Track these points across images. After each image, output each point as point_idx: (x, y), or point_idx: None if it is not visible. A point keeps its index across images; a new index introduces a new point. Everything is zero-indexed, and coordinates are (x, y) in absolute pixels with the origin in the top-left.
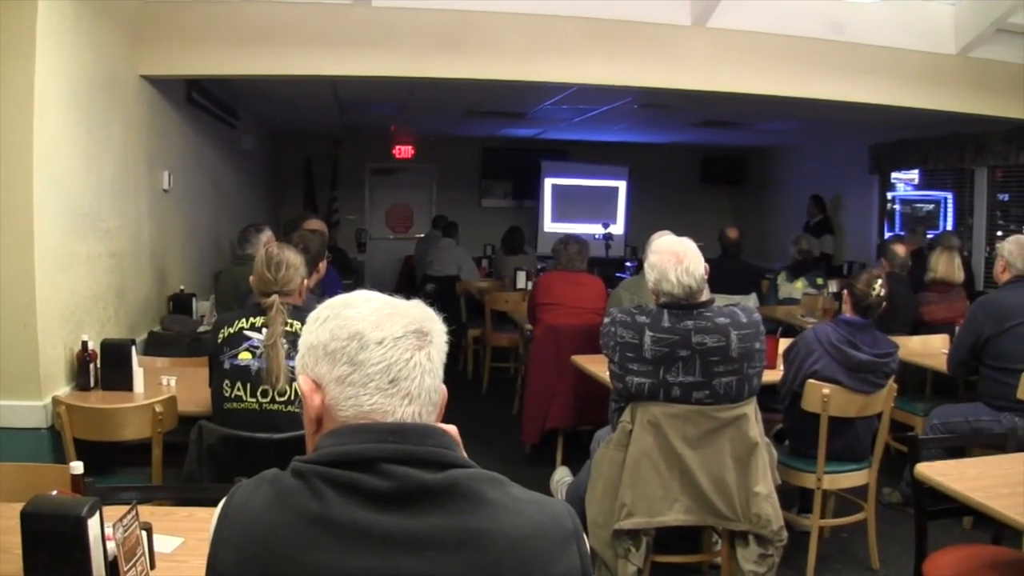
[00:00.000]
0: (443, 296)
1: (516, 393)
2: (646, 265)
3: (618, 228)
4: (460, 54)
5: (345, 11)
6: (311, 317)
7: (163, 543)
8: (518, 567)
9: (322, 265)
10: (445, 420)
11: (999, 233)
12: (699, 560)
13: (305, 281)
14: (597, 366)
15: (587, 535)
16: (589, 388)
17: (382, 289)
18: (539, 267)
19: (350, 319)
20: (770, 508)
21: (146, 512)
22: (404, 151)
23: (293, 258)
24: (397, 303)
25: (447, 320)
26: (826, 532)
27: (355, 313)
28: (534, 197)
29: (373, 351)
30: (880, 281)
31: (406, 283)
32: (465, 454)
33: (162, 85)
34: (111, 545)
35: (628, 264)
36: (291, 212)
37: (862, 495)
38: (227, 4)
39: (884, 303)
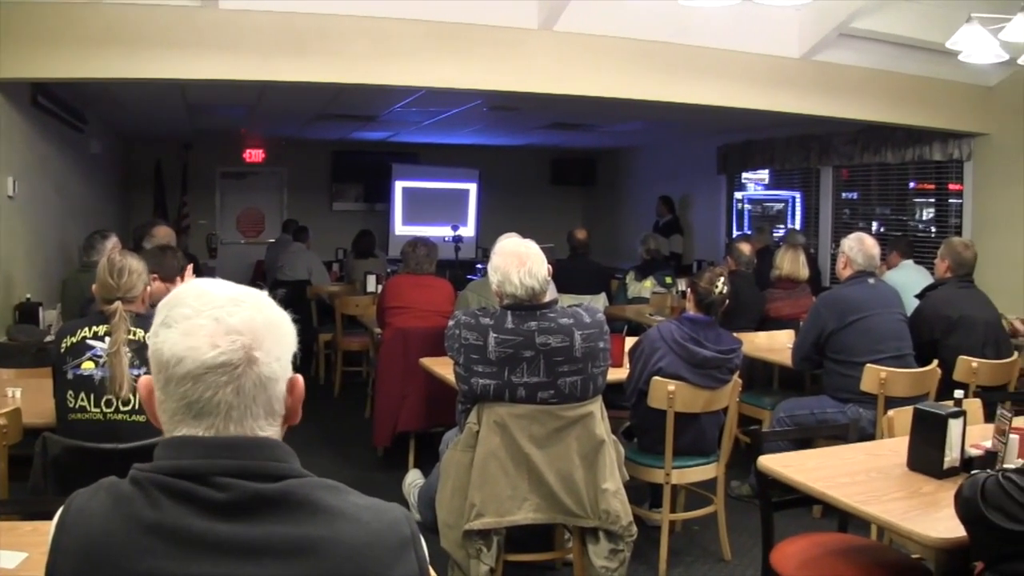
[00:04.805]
0: (294, 300)
1: (368, 397)
2: (489, 267)
3: (468, 230)
4: (308, 57)
5: (192, 13)
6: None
7: (6, 558)
8: (356, 574)
9: (158, 286)
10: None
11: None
12: (551, 558)
13: (148, 288)
14: (445, 368)
15: (439, 536)
16: (439, 390)
17: None
18: (390, 270)
19: (164, 343)
20: (619, 504)
21: None
22: (255, 155)
23: (135, 264)
24: (223, 319)
25: (295, 323)
26: (678, 526)
27: (170, 335)
28: (385, 200)
29: (178, 386)
30: (723, 279)
31: (257, 288)
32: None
33: (5, 88)
34: None
35: (478, 266)
36: (141, 217)
37: (712, 488)
38: (72, 6)
39: (727, 300)
